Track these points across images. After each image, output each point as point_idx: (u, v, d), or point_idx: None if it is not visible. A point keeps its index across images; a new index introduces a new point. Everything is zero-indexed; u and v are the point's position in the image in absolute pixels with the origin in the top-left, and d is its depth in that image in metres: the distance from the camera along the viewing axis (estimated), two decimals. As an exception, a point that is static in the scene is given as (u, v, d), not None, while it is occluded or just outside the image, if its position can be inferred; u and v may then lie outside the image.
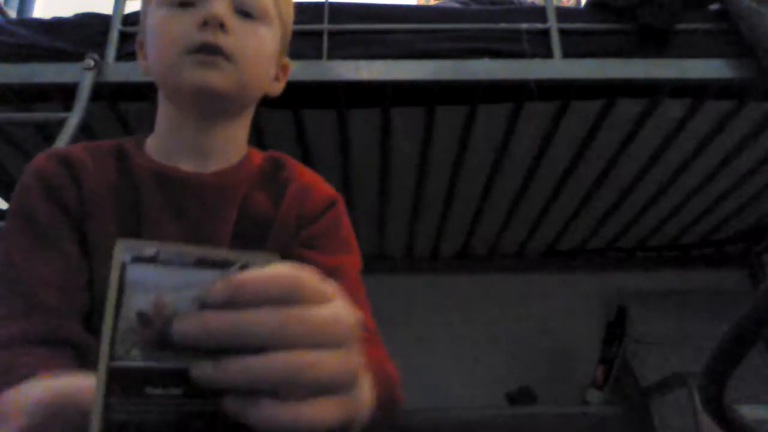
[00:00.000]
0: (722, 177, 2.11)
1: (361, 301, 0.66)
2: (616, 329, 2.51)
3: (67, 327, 0.55)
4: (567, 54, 1.62)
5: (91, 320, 0.59)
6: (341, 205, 0.74)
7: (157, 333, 0.30)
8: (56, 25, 1.71)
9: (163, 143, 0.70)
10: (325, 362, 0.31)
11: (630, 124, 1.80)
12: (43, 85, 1.61)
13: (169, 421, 0.31)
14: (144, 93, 1.55)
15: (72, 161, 0.66)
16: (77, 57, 1.56)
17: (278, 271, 0.32)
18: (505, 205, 2.33)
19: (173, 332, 0.30)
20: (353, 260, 0.70)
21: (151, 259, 0.30)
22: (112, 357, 0.29)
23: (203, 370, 0.30)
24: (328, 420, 0.32)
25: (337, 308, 0.33)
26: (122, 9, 1.67)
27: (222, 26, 0.64)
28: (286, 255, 0.58)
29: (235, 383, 0.30)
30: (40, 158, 0.66)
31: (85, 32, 1.67)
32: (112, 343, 0.29)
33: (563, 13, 1.71)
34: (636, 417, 2.31)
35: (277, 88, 0.76)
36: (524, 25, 1.66)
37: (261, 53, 0.68)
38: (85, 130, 1.59)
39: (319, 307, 0.32)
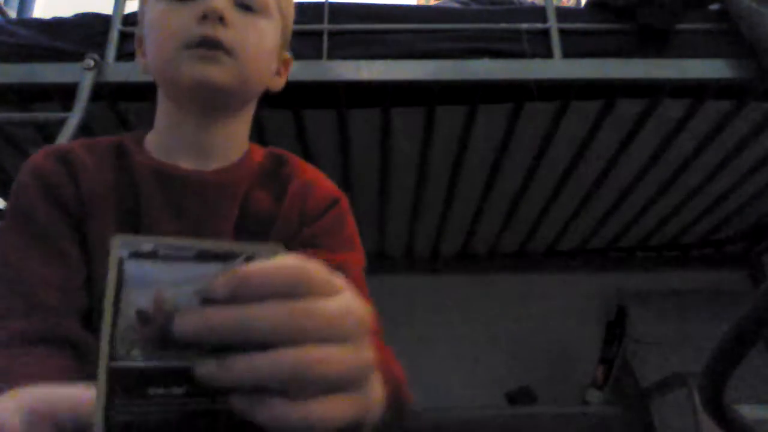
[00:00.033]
0: (722, 177, 2.11)
1: (364, 300, 0.65)
2: (616, 329, 2.51)
3: (65, 326, 0.55)
4: (567, 54, 1.62)
5: (91, 319, 0.59)
6: (345, 203, 0.72)
7: (157, 331, 0.29)
8: (56, 25, 1.71)
9: (162, 140, 0.69)
10: (335, 358, 0.30)
11: (630, 124, 1.80)
12: (43, 85, 1.61)
13: (173, 421, 0.30)
14: (144, 93, 1.55)
15: (70, 159, 0.64)
16: (77, 57, 1.56)
17: (284, 262, 0.30)
18: (505, 205, 2.33)
19: (174, 329, 0.29)
20: (357, 258, 0.69)
21: (150, 255, 0.29)
22: (112, 357, 0.29)
23: (207, 369, 0.29)
24: (339, 418, 0.31)
25: (346, 301, 0.32)
26: (122, 9, 1.68)
27: (222, 20, 0.63)
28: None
29: (240, 382, 0.29)
30: (37, 156, 0.65)
31: (85, 32, 1.67)
32: (112, 343, 0.29)
33: (563, 13, 1.71)
34: (636, 417, 2.31)
35: (278, 83, 0.74)
36: (524, 25, 1.66)
37: (262, 47, 0.67)
38: (85, 130, 1.58)
39: (327, 299, 0.31)
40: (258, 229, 0.67)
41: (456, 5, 1.98)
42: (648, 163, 2.02)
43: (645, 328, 2.50)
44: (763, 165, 2.03)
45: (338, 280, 0.32)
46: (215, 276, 0.30)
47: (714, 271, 2.78)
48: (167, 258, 0.29)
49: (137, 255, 0.29)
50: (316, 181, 0.72)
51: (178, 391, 0.30)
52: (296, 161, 0.74)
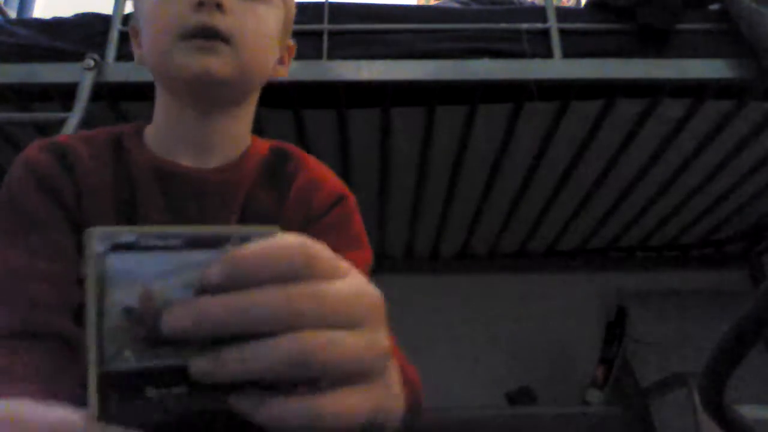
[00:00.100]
0: (722, 177, 2.11)
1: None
2: (616, 329, 2.51)
3: (58, 322, 0.52)
4: (567, 54, 1.62)
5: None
6: (351, 200, 0.69)
7: (149, 328, 0.27)
8: (56, 25, 1.71)
9: (161, 136, 0.66)
10: (343, 343, 0.27)
11: (630, 124, 1.80)
12: (43, 85, 1.61)
13: (174, 422, 0.28)
14: (144, 93, 1.55)
15: (66, 152, 0.61)
16: (77, 57, 1.56)
17: (285, 241, 0.27)
18: (505, 205, 2.33)
19: (162, 326, 0.27)
20: (363, 257, 0.66)
21: (131, 246, 0.27)
22: (101, 361, 0.26)
23: (200, 365, 0.27)
24: (352, 413, 0.27)
25: (356, 283, 0.29)
26: (122, 9, 1.68)
27: (219, 6, 0.59)
28: None
29: (237, 376, 0.26)
30: (31, 148, 0.62)
31: (85, 32, 1.67)
32: (100, 346, 0.26)
33: (563, 13, 1.71)
34: (636, 417, 2.31)
35: (281, 72, 0.71)
36: (524, 25, 1.66)
37: (263, 34, 0.63)
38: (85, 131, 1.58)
39: (335, 281, 0.28)
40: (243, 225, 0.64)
41: (456, 5, 1.98)
42: (648, 163, 2.02)
43: (645, 328, 2.50)
44: (763, 165, 2.03)
45: (344, 263, 0.29)
46: (208, 263, 0.27)
47: (714, 271, 2.77)
48: (152, 248, 0.27)
49: (118, 248, 0.27)
50: (322, 177, 0.69)
51: (178, 390, 0.27)
52: (301, 156, 0.71)
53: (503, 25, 1.67)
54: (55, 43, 1.64)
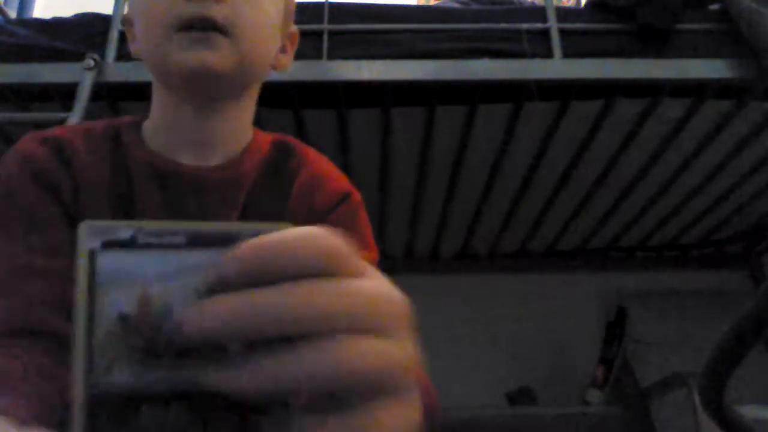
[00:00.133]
0: (722, 177, 2.11)
1: None
2: (616, 329, 2.51)
3: (54, 320, 0.50)
4: (567, 54, 1.62)
5: None
6: (356, 197, 0.66)
7: (146, 338, 0.23)
8: (56, 25, 1.71)
9: (159, 131, 0.62)
10: (385, 352, 0.24)
11: (630, 124, 1.80)
12: (43, 85, 1.61)
13: None
14: (144, 93, 1.54)
15: (62, 145, 0.59)
16: (77, 57, 1.56)
17: (307, 231, 0.24)
18: (505, 205, 2.33)
19: (168, 332, 0.23)
20: (370, 257, 0.62)
21: (128, 243, 0.24)
22: (90, 375, 0.23)
23: (224, 378, 0.23)
24: (399, 429, 0.24)
25: (381, 283, 0.26)
26: (122, 9, 1.68)
27: None
28: None
29: (270, 390, 0.22)
30: (27, 141, 0.59)
31: (85, 32, 1.67)
32: (89, 358, 0.23)
33: (563, 13, 1.72)
34: (636, 417, 2.31)
35: (285, 61, 0.67)
36: (524, 25, 1.66)
37: (262, 22, 0.59)
38: (85, 130, 1.59)
39: (363, 280, 0.24)
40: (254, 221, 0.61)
41: (456, 5, 1.98)
42: (648, 163, 2.02)
43: (645, 328, 2.50)
44: (763, 165, 2.03)
45: (362, 260, 0.26)
46: (214, 265, 0.24)
47: (714, 271, 2.77)
48: (151, 246, 0.24)
49: (112, 245, 0.23)
50: (325, 174, 0.66)
51: (178, 408, 0.24)
52: (304, 152, 0.67)
53: (503, 25, 1.68)
54: (55, 43, 1.64)
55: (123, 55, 1.61)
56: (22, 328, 0.49)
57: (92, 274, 0.23)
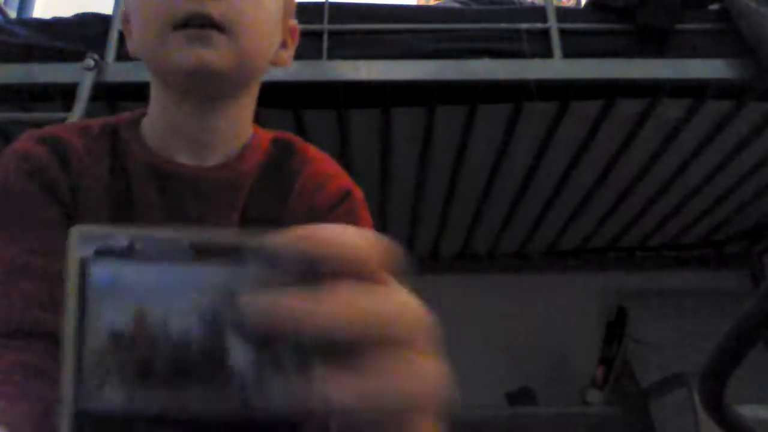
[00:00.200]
0: (722, 177, 2.11)
1: None
2: (616, 329, 2.51)
3: (51, 321, 0.49)
4: (567, 54, 1.62)
5: None
6: (358, 195, 0.64)
7: (141, 358, 0.21)
8: (56, 25, 1.71)
9: (157, 130, 0.61)
10: (431, 372, 0.24)
11: (630, 124, 1.80)
12: (43, 85, 1.61)
13: None
14: (144, 93, 1.54)
15: (61, 145, 0.58)
16: (77, 57, 1.56)
17: (357, 231, 0.23)
18: (505, 205, 2.33)
19: (244, 319, 0.21)
20: None
21: (125, 253, 0.21)
22: (78, 396, 0.21)
23: (311, 389, 0.21)
24: None
25: (410, 295, 0.25)
26: (122, 9, 1.68)
27: None
28: None
29: (341, 407, 0.21)
30: (25, 140, 0.57)
31: (85, 32, 1.67)
32: (78, 377, 0.21)
33: (563, 13, 1.72)
34: (636, 417, 2.31)
35: (285, 57, 0.65)
36: (524, 25, 1.66)
37: (261, 18, 0.58)
38: (85, 130, 1.59)
39: (398, 292, 0.24)
40: (264, 230, 0.60)
41: (456, 5, 1.98)
42: (648, 163, 2.02)
43: (645, 328, 2.50)
44: (763, 165, 2.03)
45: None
46: (225, 284, 0.21)
47: (714, 271, 2.77)
48: (150, 257, 0.22)
49: (107, 253, 0.21)
50: (327, 173, 0.65)
51: None
52: (305, 150, 0.66)
53: (503, 25, 1.67)
54: (55, 43, 1.64)
55: (123, 55, 1.61)
56: (20, 329, 0.49)
57: (83, 285, 0.21)
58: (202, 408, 0.22)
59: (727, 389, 0.78)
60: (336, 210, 0.62)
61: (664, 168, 2.05)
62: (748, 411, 1.23)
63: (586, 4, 1.86)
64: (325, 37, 1.63)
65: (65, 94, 1.58)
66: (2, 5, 2.17)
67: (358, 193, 0.64)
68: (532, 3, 2.22)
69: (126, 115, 0.64)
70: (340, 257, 0.22)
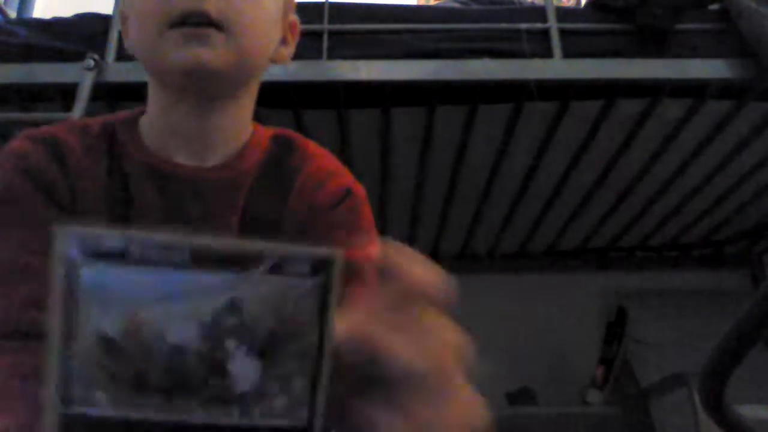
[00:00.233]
0: (722, 177, 2.11)
1: None
2: (616, 329, 2.51)
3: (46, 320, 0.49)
4: (567, 54, 1.62)
5: None
6: (359, 192, 0.63)
7: (134, 369, 0.20)
8: (56, 25, 1.71)
9: (155, 129, 0.60)
10: (476, 401, 0.25)
11: (630, 124, 1.80)
12: (43, 85, 1.60)
13: None
14: (144, 93, 1.54)
15: (58, 144, 0.57)
16: (77, 57, 1.56)
17: (433, 270, 0.24)
18: (505, 205, 2.33)
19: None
20: (373, 253, 0.59)
21: (117, 256, 0.20)
22: (66, 397, 0.20)
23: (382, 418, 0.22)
24: None
25: (455, 326, 0.26)
26: (120, 9, 1.67)
27: None
28: None
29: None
30: (21, 140, 0.56)
31: (85, 32, 1.67)
32: (66, 382, 0.20)
33: (563, 13, 1.71)
34: (636, 417, 2.31)
35: (285, 54, 0.64)
36: (524, 25, 1.66)
37: (260, 14, 0.56)
38: (85, 130, 1.58)
39: (448, 323, 0.26)
40: (264, 230, 0.59)
41: (456, 5, 1.98)
42: (648, 163, 2.02)
43: (645, 328, 2.50)
44: (763, 165, 2.03)
45: None
46: (224, 293, 0.20)
47: (714, 271, 2.78)
48: (147, 261, 0.20)
49: (98, 256, 0.20)
50: (327, 170, 0.64)
51: None
52: (305, 146, 0.65)
53: (503, 25, 1.67)
54: (55, 43, 1.64)
55: (123, 55, 1.61)
56: (18, 330, 0.48)
57: (72, 287, 0.20)
58: (200, 419, 0.21)
59: (727, 389, 0.78)
60: (337, 208, 0.61)
61: (664, 168, 2.05)
62: (748, 411, 1.23)
63: (586, 4, 1.85)
64: (325, 37, 1.63)
65: (65, 94, 1.58)
66: (2, 5, 2.17)
67: (360, 191, 0.63)
68: (532, 3, 2.22)
69: (122, 114, 0.63)
70: (418, 292, 0.23)
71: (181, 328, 0.20)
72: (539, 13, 1.70)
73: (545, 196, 2.25)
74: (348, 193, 0.62)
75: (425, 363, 0.23)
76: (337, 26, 1.66)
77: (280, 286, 0.21)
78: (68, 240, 0.20)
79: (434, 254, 2.80)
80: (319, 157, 0.65)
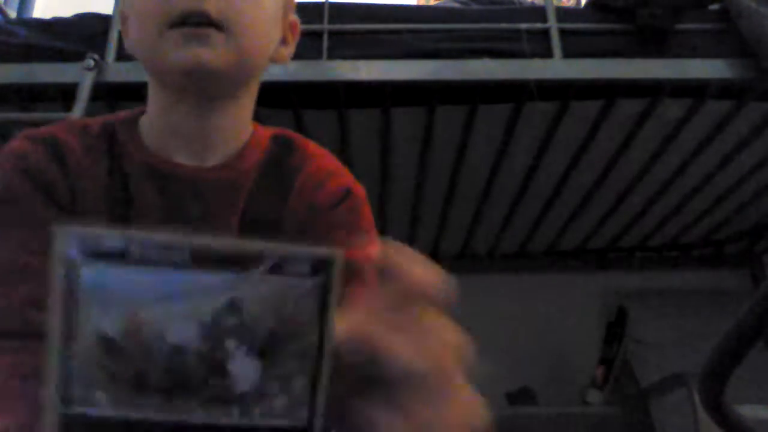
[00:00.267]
0: (722, 177, 2.11)
1: None
2: (616, 329, 2.51)
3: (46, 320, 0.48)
4: (567, 54, 1.62)
5: None
6: (359, 192, 0.63)
7: (134, 369, 0.20)
8: (56, 25, 1.71)
9: (155, 129, 0.60)
10: (476, 401, 0.25)
11: (630, 124, 1.80)
12: (43, 85, 1.60)
13: None
14: (144, 93, 1.54)
15: (58, 144, 0.57)
16: (77, 57, 1.56)
17: (436, 271, 0.25)
18: (505, 205, 2.33)
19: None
20: (373, 253, 0.59)
21: (117, 255, 0.20)
22: (65, 401, 0.20)
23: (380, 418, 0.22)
24: None
25: (455, 326, 0.27)
26: (120, 8, 1.67)
27: None
28: None
29: None
30: (21, 140, 0.56)
31: (85, 32, 1.67)
32: (65, 381, 0.20)
33: (563, 13, 1.71)
34: (636, 417, 2.31)
35: (285, 54, 0.64)
36: (524, 25, 1.66)
37: (260, 14, 0.56)
38: (85, 130, 1.58)
39: (448, 323, 0.26)
40: (264, 231, 0.59)
41: (456, 5, 1.98)
42: (648, 163, 2.02)
43: (645, 328, 2.50)
44: (763, 165, 2.03)
45: None
46: (223, 293, 0.20)
47: (714, 271, 2.78)
48: (146, 262, 0.20)
49: (98, 256, 0.20)
50: (328, 170, 0.64)
51: None
52: (305, 146, 0.65)
53: (503, 25, 1.67)
54: (55, 43, 1.64)
55: (123, 55, 1.61)
56: (17, 330, 0.48)
57: (72, 287, 0.20)
58: (200, 419, 0.21)
59: (727, 389, 0.78)
60: (337, 208, 0.61)
61: (664, 168, 2.05)
62: (748, 411, 1.23)
63: (586, 4, 1.85)
64: (325, 37, 1.63)
65: (65, 94, 1.58)
66: (2, 5, 2.17)
67: (360, 191, 0.63)
68: (532, 3, 2.22)
69: (122, 114, 0.63)
70: (418, 293, 0.24)
71: (181, 328, 0.20)
72: (539, 13, 1.70)
73: (545, 196, 2.25)
74: (348, 193, 0.62)
75: (425, 363, 0.23)
76: (337, 26, 1.66)
77: (280, 286, 0.21)
78: (68, 240, 0.20)
79: (434, 254, 2.80)
80: (319, 157, 0.65)
